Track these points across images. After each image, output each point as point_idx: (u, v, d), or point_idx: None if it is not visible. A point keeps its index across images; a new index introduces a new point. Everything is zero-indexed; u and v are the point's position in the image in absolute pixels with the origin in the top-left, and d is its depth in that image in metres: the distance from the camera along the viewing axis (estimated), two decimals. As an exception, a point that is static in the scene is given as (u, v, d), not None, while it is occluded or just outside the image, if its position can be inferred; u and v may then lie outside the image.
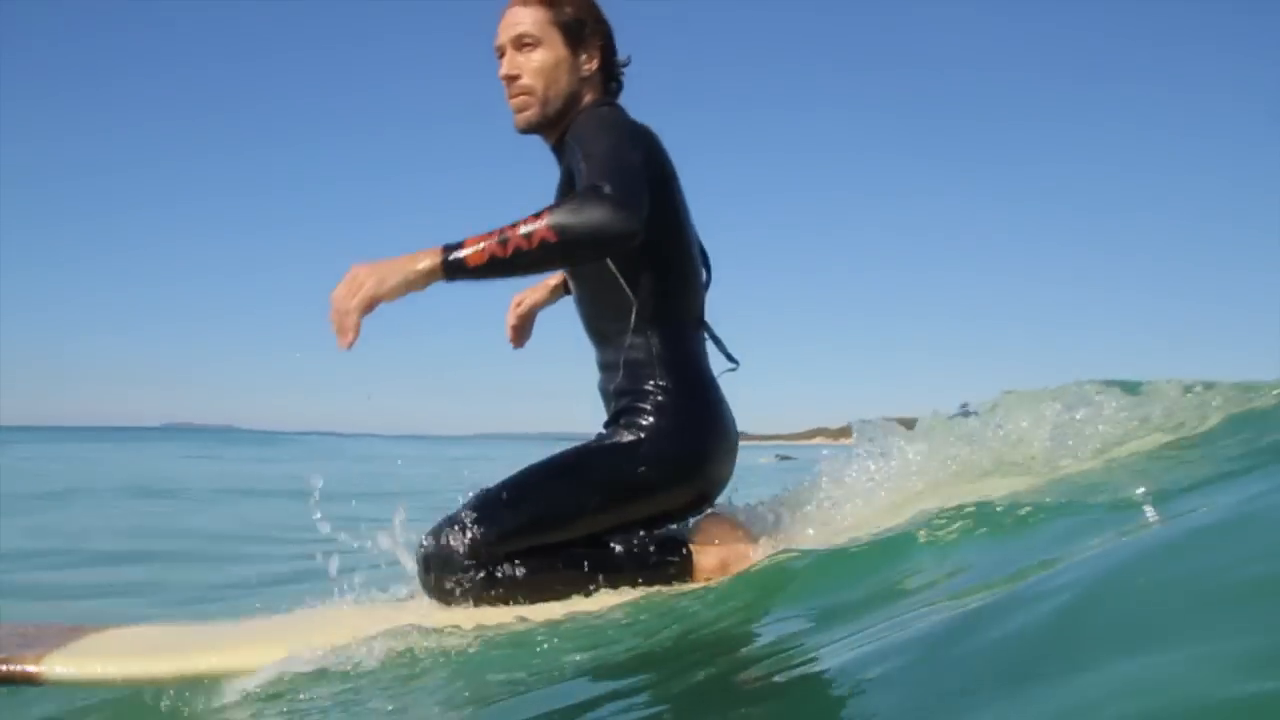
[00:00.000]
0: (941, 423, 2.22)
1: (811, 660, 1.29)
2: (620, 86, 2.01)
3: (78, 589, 3.78)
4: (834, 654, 1.25)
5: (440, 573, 1.81)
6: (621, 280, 1.90)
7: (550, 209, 1.63)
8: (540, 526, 1.86)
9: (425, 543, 1.85)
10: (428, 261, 1.62)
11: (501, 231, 1.62)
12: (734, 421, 2.02)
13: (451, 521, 1.84)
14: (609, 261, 1.88)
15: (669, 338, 1.93)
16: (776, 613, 1.64)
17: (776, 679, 1.24)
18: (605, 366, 1.99)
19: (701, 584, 1.88)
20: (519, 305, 2.27)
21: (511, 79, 1.91)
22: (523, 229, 1.61)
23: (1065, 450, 2.08)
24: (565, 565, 1.86)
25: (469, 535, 1.81)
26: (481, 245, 1.62)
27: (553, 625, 1.68)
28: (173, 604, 3.34)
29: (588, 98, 1.93)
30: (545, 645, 1.59)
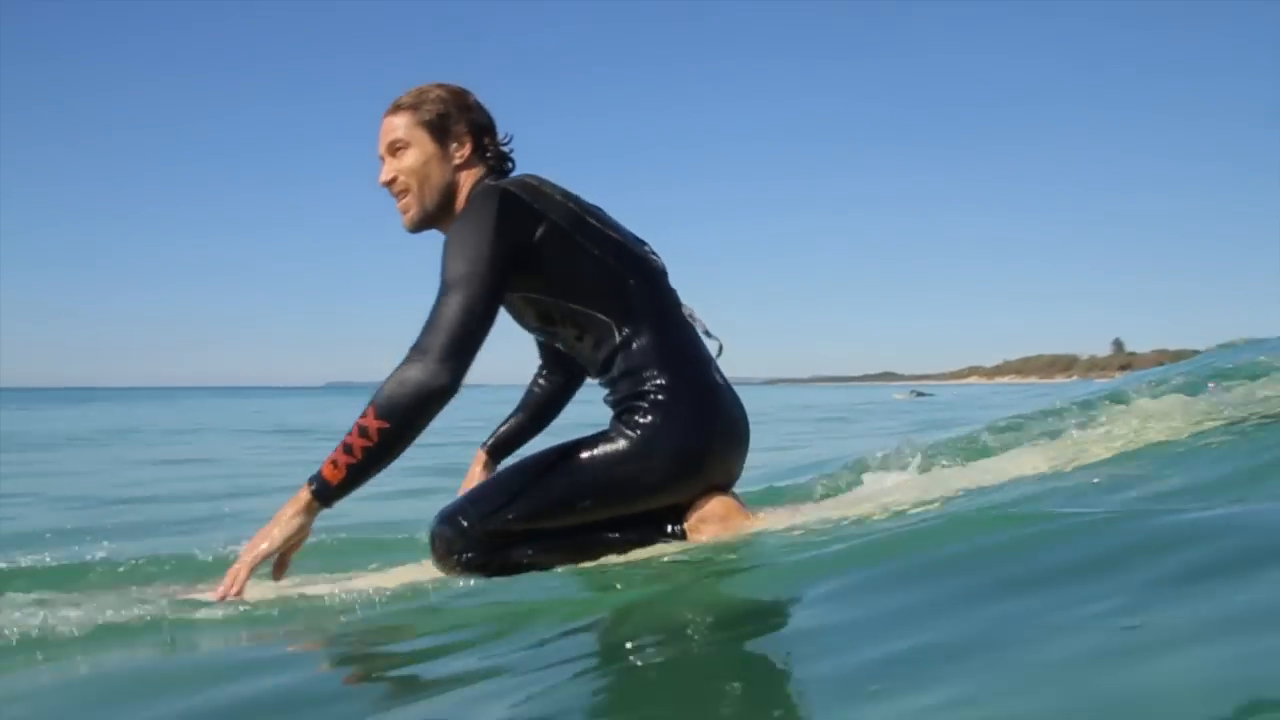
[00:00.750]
0: None
1: (768, 648, 1.29)
2: (510, 162, 2.06)
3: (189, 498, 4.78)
4: (781, 636, 1.31)
5: (440, 555, 1.96)
6: (592, 313, 1.95)
7: (375, 394, 1.76)
8: (533, 519, 1.94)
9: (430, 526, 1.98)
10: (300, 502, 1.78)
11: (345, 441, 1.76)
12: (740, 408, 2.04)
13: (451, 508, 1.98)
14: (576, 306, 1.94)
15: (657, 333, 1.96)
16: (762, 591, 1.59)
17: (751, 662, 1.22)
18: (609, 383, 2.01)
19: (693, 548, 1.89)
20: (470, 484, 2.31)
21: (390, 183, 2.00)
22: (359, 427, 1.74)
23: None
24: (559, 547, 1.96)
25: (465, 522, 1.93)
26: (335, 462, 1.75)
27: (539, 601, 1.72)
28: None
29: (468, 182, 2.00)
30: (529, 614, 1.59)
